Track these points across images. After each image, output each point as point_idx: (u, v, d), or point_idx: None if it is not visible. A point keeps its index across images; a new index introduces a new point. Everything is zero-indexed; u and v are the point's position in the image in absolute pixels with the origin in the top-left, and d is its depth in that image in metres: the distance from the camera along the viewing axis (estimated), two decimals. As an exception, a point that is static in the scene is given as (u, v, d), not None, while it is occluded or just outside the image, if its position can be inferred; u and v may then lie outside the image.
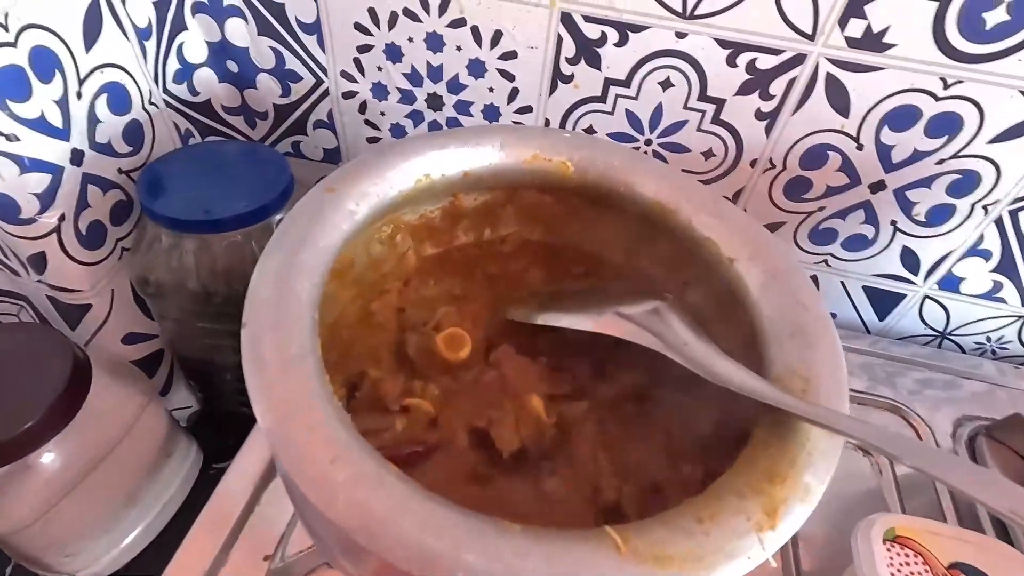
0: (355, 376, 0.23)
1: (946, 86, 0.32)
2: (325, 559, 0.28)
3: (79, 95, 0.31)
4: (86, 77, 0.31)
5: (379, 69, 0.40)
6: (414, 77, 0.40)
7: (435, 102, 0.41)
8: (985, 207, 0.37)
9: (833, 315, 0.46)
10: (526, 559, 0.14)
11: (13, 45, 0.27)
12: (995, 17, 0.29)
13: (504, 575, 0.14)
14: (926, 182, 0.37)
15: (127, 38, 0.33)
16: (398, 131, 0.43)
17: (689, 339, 0.22)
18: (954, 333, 0.45)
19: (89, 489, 0.34)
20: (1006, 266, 0.40)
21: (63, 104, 0.30)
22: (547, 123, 0.39)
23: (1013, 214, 0.37)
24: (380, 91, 0.41)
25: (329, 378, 0.18)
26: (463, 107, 0.40)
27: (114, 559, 0.37)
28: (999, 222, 0.38)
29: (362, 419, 0.21)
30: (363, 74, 0.40)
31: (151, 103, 0.37)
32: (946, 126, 0.34)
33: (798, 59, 0.33)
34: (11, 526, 0.32)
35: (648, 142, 0.39)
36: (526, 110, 0.39)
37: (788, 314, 0.22)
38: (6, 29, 0.26)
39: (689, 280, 0.30)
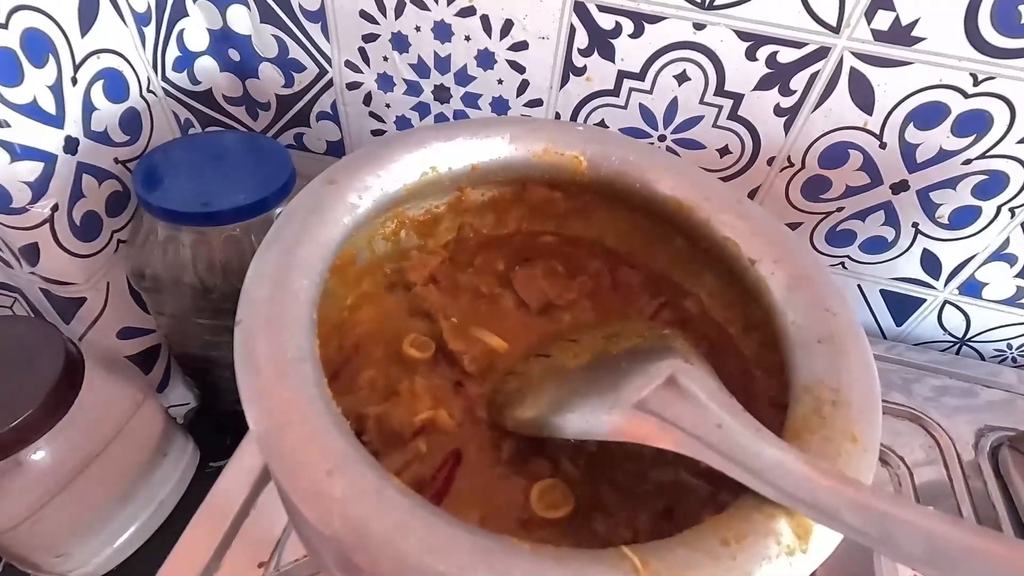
0: (354, 418, 0.22)
1: (976, 82, 0.31)
2: (319, 569, 0.27)
3: (74, 81, 0.30)
4: (81, 62, 0.30)
5: (385, 59, 0.39)
6: (421, 68, 0.38)
7: (442, 94, 0.39)
8: (1012, 210, 0.36)
9: (848, 319, 0.45)
10: (538, 583, 0.13)
11: (4, 27, 0.25)
12: (1031, 10, 0.28)
13: (513, 602, 0.13)
14: (951, 183, 0.35)
15: (125, 23, 0.32)
16: (404, 123, 0.42)
17: (721, 416, 0.18)
18: (974, 340, 0.44)
19: (81, 488, 0.33)
20: (1031, 271, 0.38)
21: (57, 90, 0.29)
22: (557, 117, 0.38)
23: (1041, 217, 0.36)
24: (386, 82, 0.40)
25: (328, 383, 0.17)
26: (471, 99, 0.39)
27: (107, 559, 0.37)
28: (1026, 225, 0.36)
29: (385, 463, 0.20)
30: (368, 64, 0.39)
31: (149, 91, 0.35)
32: (974, 124, 0.32)
33: (821, 52, 0.32)
34: (1, 525, 0.31)
35: (662, 138, 0.38)
36: (536, 103, 0.38)
37: (815, 319, 0.21)
38: (-4, 10, 0.25)
39: (708, 284, 0.29)
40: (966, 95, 0.31)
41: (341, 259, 0.27)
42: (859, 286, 0.43)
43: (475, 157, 0.26)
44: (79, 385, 0.32)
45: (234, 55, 0.40)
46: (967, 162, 0.34)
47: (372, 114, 0.42)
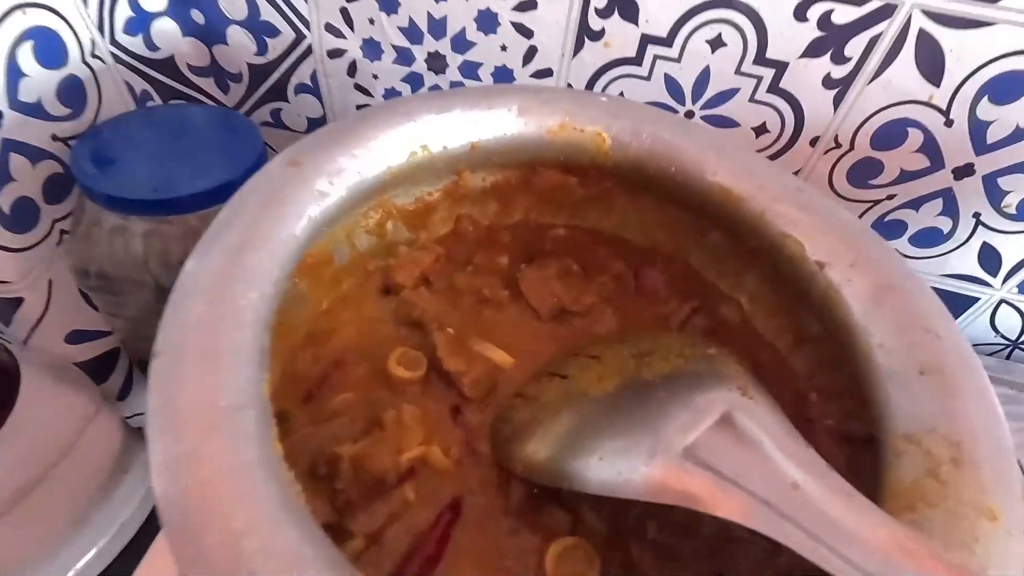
0: (324, 460, 0.17)
1: (1071, 47, 0.26)
2: None
3: (-7, 41, 0.25)
4: (2, 18, 0.25)
5: (371, 22, 0.33)
6: (412, 32, 0.33)
7: (437, 63, 0.34)
8: (1092, 199, 0.31)
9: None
10: None
11: None
12: None
13: None
14: (1024, 167, 0.31)
15: (58, -27, 0.27)
16: (394, 97, 0.37)
17: (797, 474, 0.14)
18: (1028, 342, 0.39)
19: (25, 515, 0.29)
20: (1104, 268, 0.34)
21: (-31, 51, 0.24)
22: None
23: (1124, 208, 0.31)
24: (372, 49, 0.35)
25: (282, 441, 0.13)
26: (470, 69, 0.34)
27: (60, 591, 0.32)
28: (1105, 217, 0.32)
29: (362, 519, 0.16)
30: (352, 28, 0.34)
31: (94, 56, 0.30)
32: (1062, 98, 0.28)
33: (886, 11, 0.27)
34: (-75, 562, 0.27)
35: (689, 114, 0.33)
36: (545, 73, 0.33)
37: (912, 343, 0.16)
38: None
39: (749, 288, 0.24)
40: (1057, 63, 0.27)
41: (315, 257, 0.22)
42: (904, 283, 0.38)
43: (475, 134, 0.22)
44: (14, 397, 0.28)
45: (198, 17, 0.35)
46: (1047, 143, 0.29)
47: (358, 87, 0.37)
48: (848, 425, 0.20)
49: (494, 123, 0.22)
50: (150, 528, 0.36)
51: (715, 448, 0.15)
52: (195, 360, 0.13)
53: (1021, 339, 0.39)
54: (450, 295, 0.25)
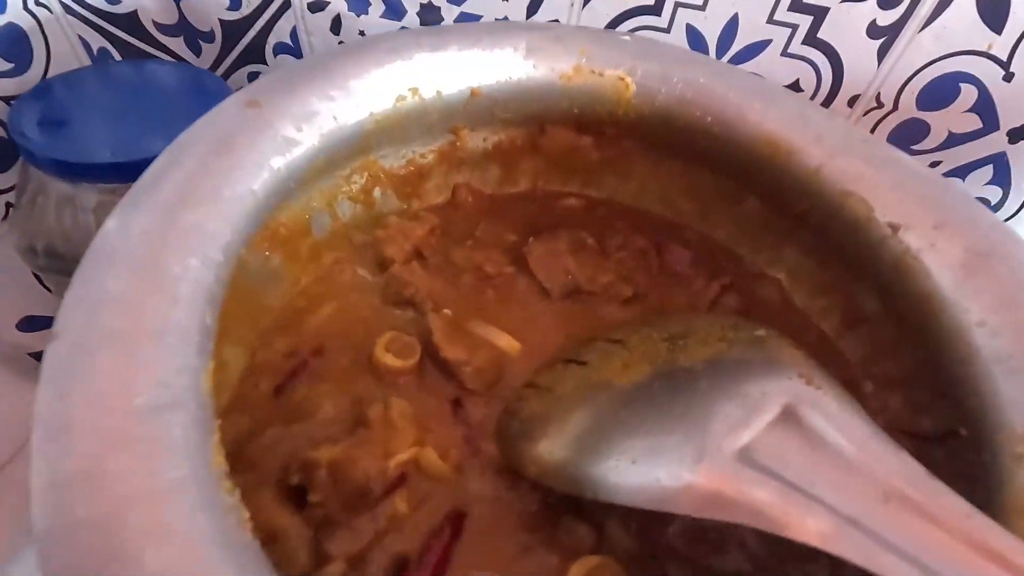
0: (298, 467, 0.14)
1: None
2: None
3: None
4: (-81, -50, 0.21)
5: (356, -31, 0.30)
6: (402, -20, 0.30)
7: (431, 14, 0.31)
8: None
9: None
10: None
11: None
12: None
13: None
14: (1091, 128, 0.27)
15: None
16: (382, 56, 0.33)
17: (884, 481, 0.11)
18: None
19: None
20: None
21: None
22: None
23: None
24: (358, 1, 0.31)
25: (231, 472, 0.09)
26: (467, 22, 0.30)
27: (16, 605, 0.29)
28: None
29: (342, 538, 0.13)
30: (335, -24, 0.30)
31: (40, 4, 0.27)
32: None
33: (946, -57, 0.23)
34: None
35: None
36: (552, 26, 0.30)
37: (1020, 323, 0.13)
38: None
39: (789, 262, 0.21)
40: None
41: (289, 228, 0.19)
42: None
43: (476, 78, 0.18)
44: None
45: (162, -35, 0.31)
46: (1120, 99, 0.26)
47: (343, 45, 0.33)
48: (918, 420, 0.17)
49: (498, 65, 0.18)
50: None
51: (778, 450, 0.12)
52: (105, 345, 0.10)
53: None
54: (447, 271, 0.21)
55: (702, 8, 0.27)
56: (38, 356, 0.30)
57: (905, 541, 0.10)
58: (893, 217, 0.16)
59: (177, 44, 0.35)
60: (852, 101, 0.29)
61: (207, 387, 0.10)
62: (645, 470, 0.13)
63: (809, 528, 0.11)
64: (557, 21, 0.29)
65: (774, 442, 0.12)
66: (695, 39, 0.29)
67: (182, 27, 0.34)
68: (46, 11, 0.27)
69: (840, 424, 0.12)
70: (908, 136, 0.30)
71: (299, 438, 0.16)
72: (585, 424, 0.15)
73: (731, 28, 0.28)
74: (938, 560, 0.10)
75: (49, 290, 0.30)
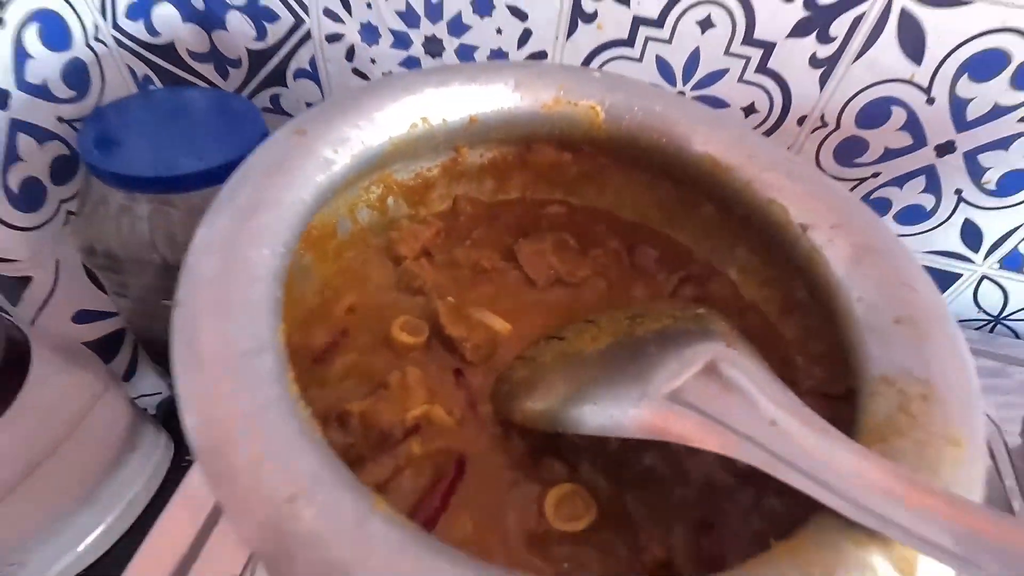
0: (335, 416, 0.18)
1: (1046, 25, 0.27)
2: None
3: (1, 22, 0.25)
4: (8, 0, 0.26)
5: (368, 6, 0.34)
6: (409, 16, 0.34)
7: (434, 46, 0.35)
8: (1068, 174, 0.32)
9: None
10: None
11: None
12: (1120, -65, 0.24)
13: None
14: (1003, 143, 0.32)
15: (62, -43, 0.28)
16: (391, 81, 0.37)
17: (775, 413, 0.15)
18: (1010, 318, 0.41)
19: (33, 490, 0.30)
20: (1082, 243, 0.35)
21: (-22, 31, 0.24)
22: (564, 71, 0.34)
23: (1099, 182, 0.32)
24: (370, 33, 0.36)
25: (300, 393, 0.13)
26: (466, 52, 0.35)
27: (68, 566, 0.33)
28: (1082, 192, 0.33)
29: (370, 470, 0.17)
30: (350, 12, 0.35)
31: (97, 40, 0.31)
32: (1038, 75, 0.29)
33: (869, -9, 0.28)
34: (-62, 534, 0.27)
35: (680, 95, 0.34)
36: (539, 56, 0.34)
37: (890, 296, 0.17)
38: None
39: (740, 259, 0.25)
40: (1032, 40, 0.28)
41: (319, 230, 0.23)
42: (890, 260, 0.39)
43: (474, 107, 0.22)
44: (24, 375, 0.28)
45: (198, 2, 0.35)
46: (1024, 119, 0.30)
47: (356, 71, 0.38)
48: (830, 385, 0.21)
49: (491, 97, 0.22)
50: (156, 506, 0.37)
51: (700, 392, 0.16)
52: (211, 311, 0.14)
53: (1003, 314, 0.41)
54: (450, 266, 0.25)
55: (668, 42, 0.32)
56: (90, 345, 0.34)
57: (781, 449, 0.14)
58: (803, 219, 0.20)
59: (207, 70, 0.39)
60: (801, 120, 0.33)
61: (282, 341, 0.14)
62: (604, 409, 0.17)
63: (714, 443, 0.15)
64: (544, 52, 0.34)
65: (697, 387, 0.16)
66: (664, 68, 0.33)
67: (212, 55, 0.38)
68: (102, 45, 0.31)
69: (747, 373, 0.17)
70: (851, 151, 0.34)
71: (334, 396, 0.20)
72: (561, 383, 0.19)
73: (694, 59, 0.32)
74: (800, 460, 0.14)
75: (100, 288, 0.34)
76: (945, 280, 0.40)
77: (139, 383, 0.40)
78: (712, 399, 0.16)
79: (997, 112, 0.30)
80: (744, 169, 0.22)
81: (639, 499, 0.19)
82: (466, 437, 0.20)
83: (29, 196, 0.29)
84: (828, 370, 0.22)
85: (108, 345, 0.36)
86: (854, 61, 0.30)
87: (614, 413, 0.17)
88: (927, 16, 0.28)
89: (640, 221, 0.28)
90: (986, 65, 0.29)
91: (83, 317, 0.34)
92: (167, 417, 0.40)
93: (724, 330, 0.19)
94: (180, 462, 0.39)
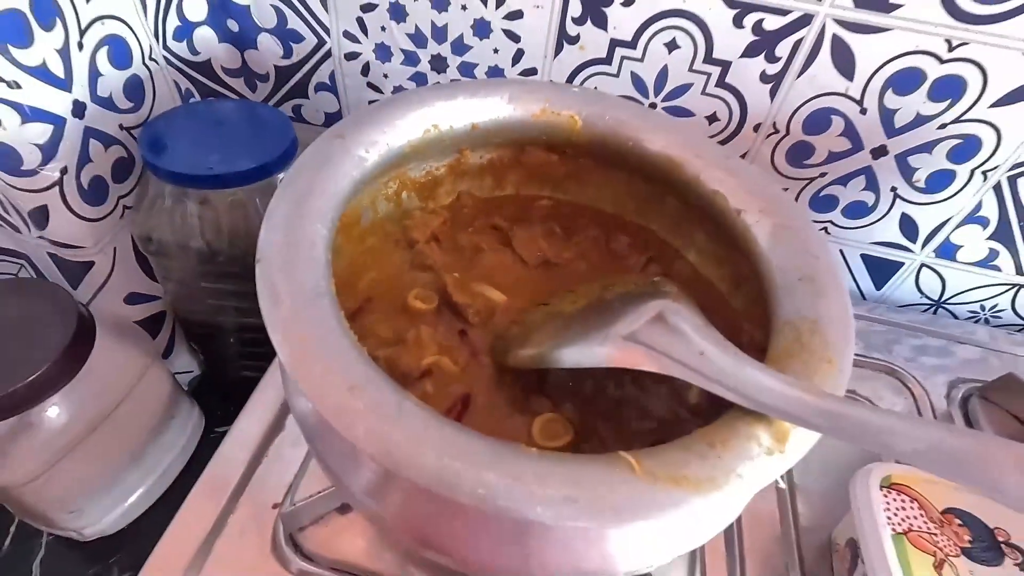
0: None
1: (951, 48, 0.32)
2: (343, 499, 0.28)
3: (80, 46, 0.30)
4: (87, 27, 0.31)
5: (382, 29, 0.39)
6: (418, 38, 0.39)
7: (439, 64, 0.40)
8: (984, 173, 0.37)
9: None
10: (544, 478, 0.15)
11: (13, -12, 0.26)
12: (1002, -24, 0.29)
13: (523, 492, 0.15)
14: (927, 147, 0.37)
15: (127, -10, 0.33)
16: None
17: (703, 346, 0.20)
18: (949, 302, 0.46)
19: (93, 446, 0.34)
20: (1002, 234, 0.40)
21: (64, 54, 0.29)
22: (552, 85, 0.39)
23: (1011, 180, 0.37)
24: (383, 52, 0.41)
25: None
26: (467, 69, 0.40)
27: (117, 518, 0.38)
28: (997, 188, 0.38)
29: None
30: (366, 34, 0.40)
31: (151, 59, 0.36)
32: (949, 89, 0.34)
33: (805, 20, 0.33)
34: (16, 479, 0.32)
35: (653, 106, 0.39)
36: (531, 72, 0.39)
37: (798, 262, 0.22)
38: (5, -28, 0.26)
39: (699, 242, 0.30)
40: (941, 60, 0.33)
41: (347, 217, 0.28)
42: (841, 251, 0.44)
43: (475, 116, 0.28)
44: (90, 346, 0.33)
45: (233, 26, 0.41)
46: (942, 126, 0.36)
47: (370, 84, 0.43)
48: (765, 341, 0.26)
49: (490, 108, 0.28)
50: (193, 471, 0.41)
51: (650, 334, 0.21)
52: (283, 265, 0.19)
53: (943, 298, 0.46)
54: (455, 249, 0.30)
55: (641, 60, 0.37)
56: (140, 323, 0.39)
57: (707, 370, 0.19)
58: (738, 205, 0.25)
59: (238, 83, 0.44)
60: (756, 127, 0.39)
61: (333, 290, 0.19)
62: (579, 349, 0.22)
63: (656, 366, 0.20)
64: (535, 69, 0.39)
65: (648, 330, 0.21)
66: (638, 83, 0.38)
67: (243, 71, 0.43)
68: (155, 64, 0.36)
69: (686, 320, 0.21)
70: (800, 154, 0.39)
71: (363, 345, 0.25)
72: (546, 333, 0.24)
73: (663, 75, 0.38)
74: (720, 376, 0.19)
75: (148, 275, 0.39)
76: (891, 268, 0.45)
77: (175, 361, 0.44)
78: (658, 338, 0.21)
79: (920, 120, 0.36)
80: (693, 165, 0.27)
81: (608, 426, 0.24)
82: (470, 380, 0.25)
83: (96, 192, 0.33)
84: (764, 332, 0.27)
85: (151, 326, 0.41)
86: (797, 77, 0.36)
87: (585, 351, 0.22)
88: (854, 40, 0.33)
89: (616, 212, 0.33)
90: (906, 81, 0.34)
91: (133, 299, 0.38)
92: (198, 394, 0.45)
93: (673, 291, 0.24)
94: (210, 433, 0.43)
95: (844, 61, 0.34)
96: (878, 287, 0.46)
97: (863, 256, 0.44)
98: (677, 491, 0.15)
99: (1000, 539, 0.25)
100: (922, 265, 0.44)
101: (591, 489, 0.15)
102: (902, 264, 0.44)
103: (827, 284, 0.21)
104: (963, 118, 0.35)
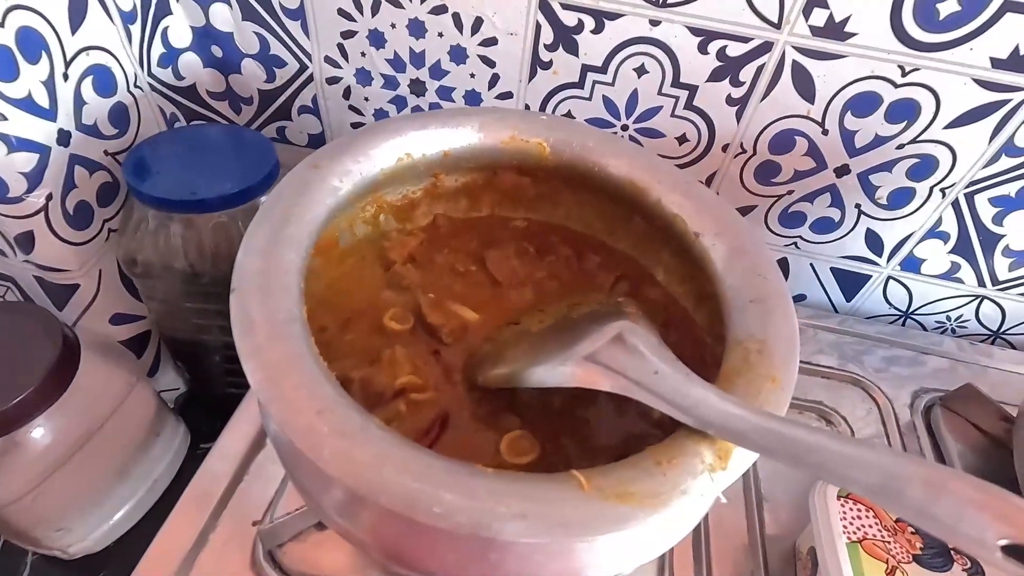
0: (340, 381, 0.24)
1: (904, 73, 0.34)
2: (318, 518, 0.29)
3: (65, 76, 0.31)
4: (72, 59, 0.32)
5: (363, 55, 0.41)
6: (397, 63, 0.41)
7: (418, 87, 0.41)
8: (943, 190, 0.39)
9: (803, 296, 0.48)
10: (498, 496, 0.16)
11: (0, 26, 0.27)
12: (948, 7, 0.31)
13: (477, 510, 0.16)
14: (887, 166, 0.38)
15: (112, 21, 0.34)
16: (381, 116, 0.44)
17: (658, 365, 0.21)
18: (917, 313, 0.47)
19: (79, 465, 0.35)
20: (962, 247, 0.42)
21: (50, 85, 0.30)
22: (527, 108, 0.41)
23: (968, 197, 0.39)
24: (364, 77, 0.42)
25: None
26: (445, 92, 0.41)
27: (104, 534, 0.38)
28: (955, 204, 0.40)
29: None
30: (347, 60, 0.41)
31: (136, 86, 0.37)
32: (905, 112, 0.36)
33: (765, 47, 0.35)
34: (2, 499, 0.33)
35: (624, 127, 0.40)
36: (506, 96, 0.40)
37: (749, 284, 0.24)
38: (-7, 10, 0.27)
39: (664, 261, 0.32)
40: (895, 85, 0.34)
41: (325, 241, 0.29)
42: (811, 265, 0.46)
43: (447, 144, 0.29)
44: (75, 367, 0.34)
45: (217, 51, 0.42)
46: (900, 146, 0.37)
47: (351, 107, 0.44)
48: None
49: (461, 136, 0.29)
50: (179, 486, 0.42)
51: (609, 354, 0.22)
52: (258, 293, 0.20)
53: (911, 309, 0.47)
54: (431, 269, 0.32)
55: (612, 84, 0.39)
56: (124, 344, 0.40)
57: (659, 389, 0.20)
58: (696, 228, 0.26)
59: (223, 107, 0.45)
60: (724, 148, 0.40)
61: (304, 317, 0.20)
62: (543, 370, 0.23)
63: (612, 385, 0.21)
64: (511, 93, 0.40)
65: (607, 350, 0.22)
66: (609, 106, 0.40)
67: (228, 94, 0.44)
68: (140, 90, 0.37)
69: (642, 341, 0.22)
70: (767, 173, 0.41)
71: (339, 368, 0.26)
72: (515, 356, 0.25)
73: (633, 98, 0.39)
74: (671, 395, 0.20)
75: (134, 296, 0.40)
76: (859, 281, 0.46)
77: (161, 379, 0.45)
78: (616, 358, 0.22)
79: (878, 141, 0.37)
80: (655, 189, 0.28)
81: (574, 443, 0.25)
82: (443, 399, 0.26)
83: (81, 217, 0.34)
84: (723, 347, 0.28)
85: (137, 345, 0.42)
86: (761, 100, 0.37)
87: (549, 371, 0.23)
88: (813, 66, 0.35)
89: (587, 232, 0.34)
90: (864, 104, 0.36)
91: (118, 319, 0.39)
92: (184, 411, 0.46)
93: (633, 311, 0.25)
94: (195, 449, 0.44)
95: (804, 85, 0.36)
96: (848, 299, 0.47)
97: (833, 269, 0.46)
98: (623, 507, 0.16)
99: (950, 546, 0.27)
100: (889, 278, 0.45)
101: (543, 506, 0.16)
102: (870, 277, 0.46)
103: (775, 306, 0.23)
104: (919, 139, 0.37)
